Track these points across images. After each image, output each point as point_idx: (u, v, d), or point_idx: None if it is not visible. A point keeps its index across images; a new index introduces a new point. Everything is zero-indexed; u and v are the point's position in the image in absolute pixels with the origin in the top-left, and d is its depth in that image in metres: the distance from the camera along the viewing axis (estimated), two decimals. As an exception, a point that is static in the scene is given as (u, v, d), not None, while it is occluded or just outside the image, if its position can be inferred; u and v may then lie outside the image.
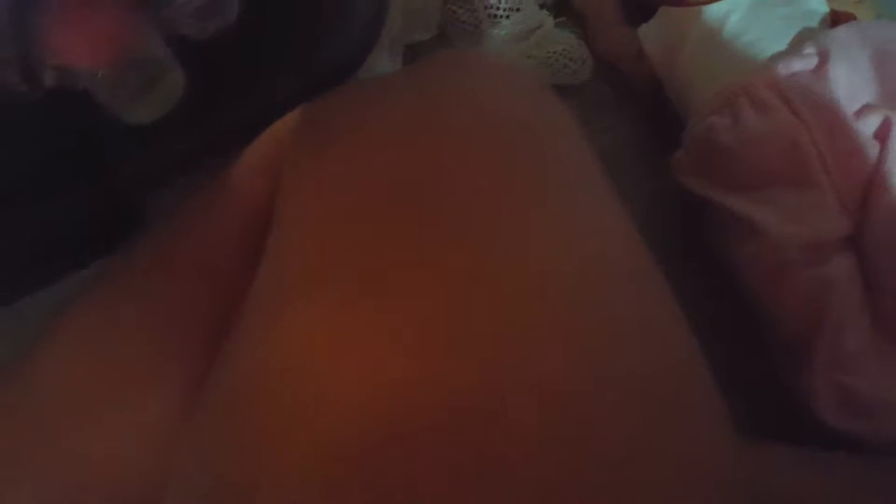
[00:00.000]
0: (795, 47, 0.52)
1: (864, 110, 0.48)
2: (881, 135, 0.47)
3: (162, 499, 0.28)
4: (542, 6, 0.65)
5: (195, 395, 0.29)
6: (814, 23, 0.56)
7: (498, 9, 0.62)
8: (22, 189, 0.39)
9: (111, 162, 0.40)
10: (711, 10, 0.56)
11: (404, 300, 0.25)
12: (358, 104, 0.34)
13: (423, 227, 0.27)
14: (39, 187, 0.39)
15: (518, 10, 0.62)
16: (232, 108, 0.39)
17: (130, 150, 0.40)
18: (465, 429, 0.23)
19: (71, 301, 0.37)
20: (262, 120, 0.37)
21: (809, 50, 0.51)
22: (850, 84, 0.49)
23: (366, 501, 0.22)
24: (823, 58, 0.50)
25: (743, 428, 0.31)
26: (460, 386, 0.23)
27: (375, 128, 0.31)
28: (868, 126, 0.48)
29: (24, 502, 0.34)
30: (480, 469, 0.22)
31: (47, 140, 0.39)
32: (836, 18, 0.57)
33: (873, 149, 0.47)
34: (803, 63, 0.51)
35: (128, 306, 0.35)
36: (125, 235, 0.39)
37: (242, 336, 0.28)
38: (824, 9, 0.57)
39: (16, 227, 0.40)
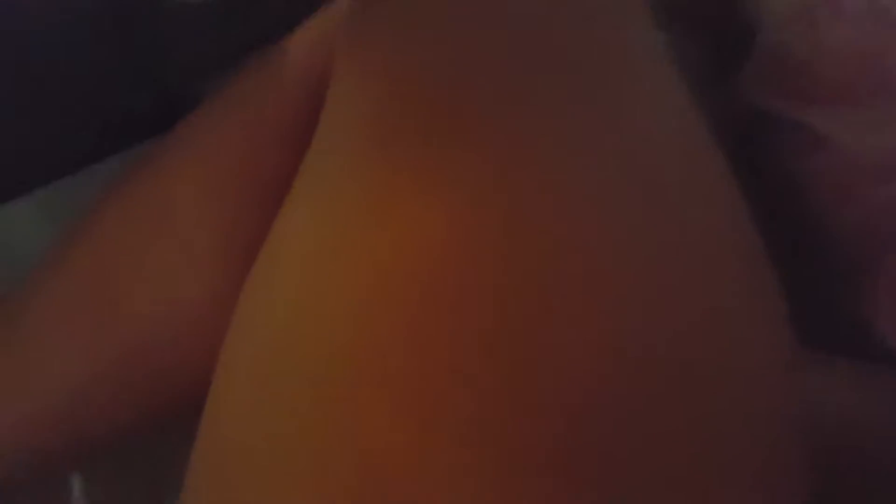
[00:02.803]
0: (884, -49, 0.49)
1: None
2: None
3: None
4: None
5: (247, 266, 0.29)
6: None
7: None
8: (79, 78, 0.38)
9: (163, 52, 0.40)
10: None
11: (443, 187, 0.25)
12: None
13: (471, 117, 0.27)
14: (95, 77, 0.39)
15: None
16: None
17: (182, 38, 0.39)
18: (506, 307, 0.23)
19: (125, 173, 0.37)
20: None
21: (899, -47, 0.48)
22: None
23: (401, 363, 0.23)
24: (914, -38, 0.47)
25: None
26: (500, 268, 0.24)
27: (431, 11, 0.30)
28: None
29: (76, 362, 0.35)
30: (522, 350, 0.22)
31: (104, 31, 0.38)
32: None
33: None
34: (891, -33, 0.48)
35: (180, 179, 0.35)
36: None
37: (287, 220, 0.29)
38: None
39: (74, 113, 0.40)
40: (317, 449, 0.23)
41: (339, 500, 0.21)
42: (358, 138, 0.28)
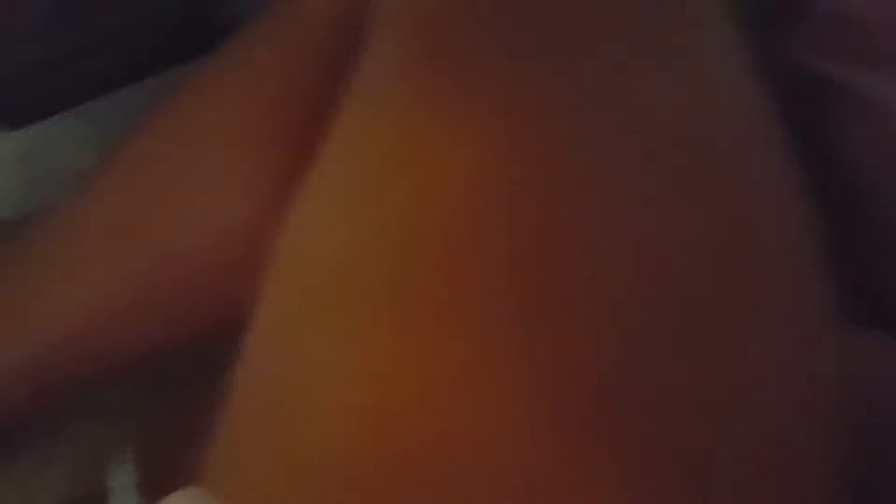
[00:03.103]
0: None
1: None
2: None
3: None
4: None
5: (283, 198, 0.29)
6: None
7: None
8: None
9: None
10: None
11: (471, 133, 0.25)
12: None
13: (517, 46, 0.26)
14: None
15: None
16: None
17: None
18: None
19: (160, 101, 0.37)
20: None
21: None
22: None
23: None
24: None
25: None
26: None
27: None
28: None
29: (110, 277, 0.36)
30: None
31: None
32: None
33: None
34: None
35: (217, 106, 0.35)
36: (219, 40, 0.38)
37: (325, 161, 0.28)
38: None
39: (116, 30, 0.40)
40: (344, 401, 0.23)
41: (367, 444, 0.22)
42: (394, 78, 0.27)
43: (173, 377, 0.44)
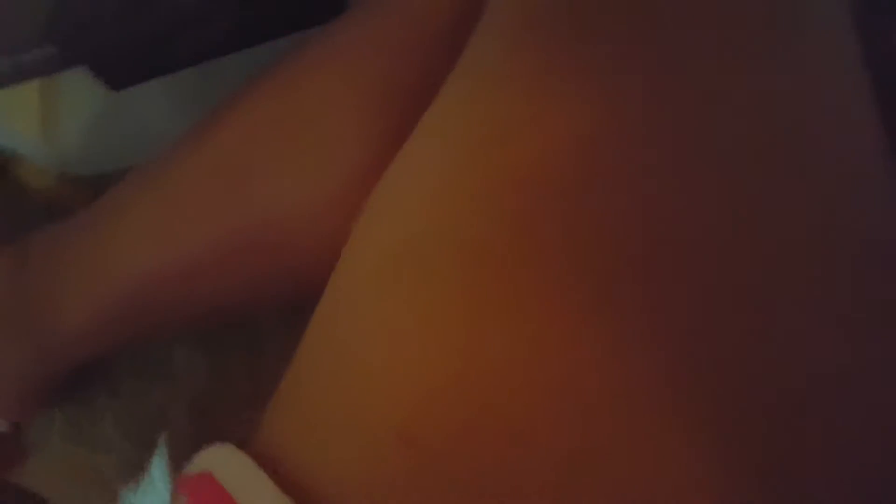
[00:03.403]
0: None
1: None
2: None
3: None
4: None
5: (380, 170, 0.29)
6: None
7: None
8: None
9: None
10: None
11: (577, 98, 0.25)
12: None
13: (637, 29, 0.26)
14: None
15: None
16: None
17: None
18: None
19: (276, 60, 0.38)
20: None
21: None
22: None
23: None
24: None
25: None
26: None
27: None
28: None
29: (204, 223, 0.36)
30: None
31: None
32: None
33: None
34: None
35: (326, 72, 0.35)
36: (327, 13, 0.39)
37: (428, 120, 0.28)
38: None
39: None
40: (408, 367, 0.23)
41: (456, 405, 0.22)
42: (494, 60, 0.27)
43: (230, 342, 0.44)
